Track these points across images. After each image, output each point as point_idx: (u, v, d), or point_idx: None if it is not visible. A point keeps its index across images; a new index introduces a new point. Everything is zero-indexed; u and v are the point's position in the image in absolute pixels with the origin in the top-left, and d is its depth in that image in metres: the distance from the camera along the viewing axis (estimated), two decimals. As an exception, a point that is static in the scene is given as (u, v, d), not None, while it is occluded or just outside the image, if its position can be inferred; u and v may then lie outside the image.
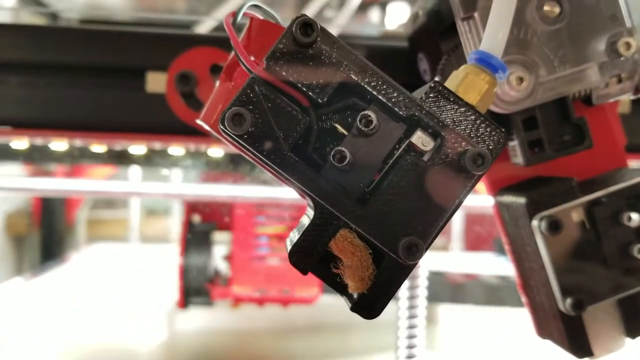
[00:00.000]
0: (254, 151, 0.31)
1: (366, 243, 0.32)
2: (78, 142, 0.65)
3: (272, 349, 1.27)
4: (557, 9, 0.40)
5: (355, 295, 0.32)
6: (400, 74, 0.56)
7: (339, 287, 0.32)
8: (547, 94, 0.40)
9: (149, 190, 0.93)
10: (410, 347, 0.78)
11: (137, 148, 0.66)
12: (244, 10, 0.37)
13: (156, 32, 0.59)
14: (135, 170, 1.67)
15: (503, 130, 0.32)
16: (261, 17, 0.39)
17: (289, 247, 0.32)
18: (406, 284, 0.78)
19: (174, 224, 2.37)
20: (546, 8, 0.40)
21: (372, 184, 0.32)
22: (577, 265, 0.41)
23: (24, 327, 1.33)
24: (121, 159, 0.72)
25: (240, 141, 0.31)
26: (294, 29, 0.31)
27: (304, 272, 0.32)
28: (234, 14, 0.36)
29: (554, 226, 0.40)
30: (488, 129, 0.32)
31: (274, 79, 0.31)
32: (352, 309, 0.32)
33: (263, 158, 0.31)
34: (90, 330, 1.32)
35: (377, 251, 0.32)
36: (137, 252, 2.21)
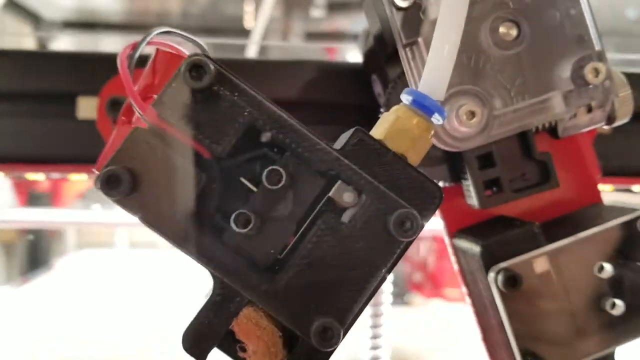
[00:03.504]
0: (135, 217, 0.26)
1: (276, 323, 0.27)
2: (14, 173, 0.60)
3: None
4: (514, 32, 0.35)
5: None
6: (359, 95, 0.52)
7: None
8: (504, 128, 0.35)
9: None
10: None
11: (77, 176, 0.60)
12: (149, 38, 0.32)
13: (88, 52, 0.54)
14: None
15: (438, 186, 0.27)
16: (175, 47, 0.34)
17: (183, 331, 0.27)
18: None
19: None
20: (502, 30, 0.35)
21: (286, 249, 0.27)
22: (541, 325, 0.36)
23: (11, 335, 1.31)
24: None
25: (120, 206, 0.26)
26: (182, 71, 0.26)
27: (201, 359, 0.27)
28: (134, 46, 0.31)
29: (512, 281, 0.35)
30: (420, 185, 0.27)
31: (167, 127, 0.26)
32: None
33: (146, 225, 0.26)
34: (77, 339, 1.29)
35: (290, 332, 0.27)
36: (124, 258, 2.17)
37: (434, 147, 0.37)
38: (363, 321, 0.67)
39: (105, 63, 0.53)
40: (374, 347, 0.66)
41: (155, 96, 0.27)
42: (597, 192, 0.41)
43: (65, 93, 0.52)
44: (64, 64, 0.53)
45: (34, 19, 1.67)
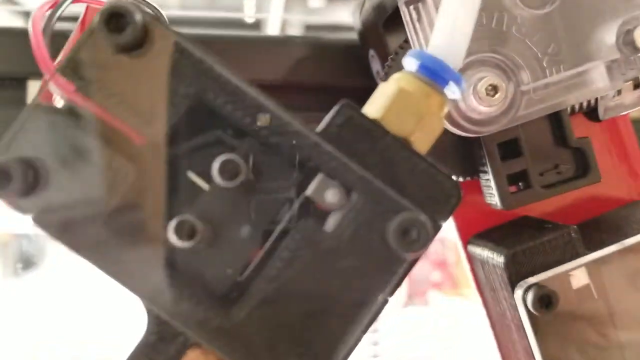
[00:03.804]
0: (34, 224, 0.19)
1: (233, 370, 0.19)
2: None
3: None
4: (546, -15, 0.28)
5: None
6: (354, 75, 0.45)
7: None
8: (533, 107, 0.28)
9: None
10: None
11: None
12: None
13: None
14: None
15: (455, 182, 0.20)
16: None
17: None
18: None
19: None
20: (531, -16, 0.28)
21: (247, 270, 0.20)
22: (578, 354, 0.29)
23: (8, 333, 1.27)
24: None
25: (13, 209, 0.19)
26: (97, 22, 0.18)
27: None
28: (55, 3, 0.24)
29: (546, 300, 0.28)
30: (430, 180, 0.20)
31: (80, 102, 0.19)
32: None
33: (50, 235, 0.19)
34: (77, 338, 1.25)
35: (252, 381, 0.20)
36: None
37: (444, 132, 0.29)
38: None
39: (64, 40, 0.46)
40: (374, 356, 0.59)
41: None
42: (641, 188, 0.34)
43: (14, 76, 0.45)
44: (12, 42, 0.45)
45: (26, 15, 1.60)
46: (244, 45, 0.46)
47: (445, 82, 0.21)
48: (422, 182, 0.20)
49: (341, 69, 0.44)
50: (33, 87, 0.45)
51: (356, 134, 0.20)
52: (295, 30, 1.68)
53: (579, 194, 0.33)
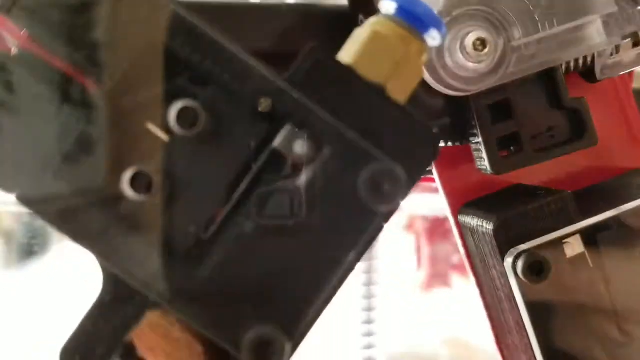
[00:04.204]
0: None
1: (194, 334, 0.18)
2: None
3: None
4: None
5: None
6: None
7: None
8: (525, 64, 0.26)
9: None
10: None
11: None
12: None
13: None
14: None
15: (432, 129, 0.18)
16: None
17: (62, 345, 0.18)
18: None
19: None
20: None
21: (211, 227, 0.19)
22: (574, 326, 0.27)
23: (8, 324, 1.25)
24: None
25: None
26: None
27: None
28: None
29: (537, 268, 0.26)
30: (404, 128, 0.18)
31: (29, 46, 0.18)
32: None
33: (2, 189, 0.17)
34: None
35: (216, 347, 0.18)
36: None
37: (432, 94, 0.28)
38: (355, 316, 0.59)
39: None
40: (367, 347, 0.58)
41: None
42: (642, 154, 0.32)
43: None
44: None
45: None
46: (232, 12, 0.44)
47: (425, 27, 0.19)
48: (397, 132, 0.18)
49: (333, 36, 0.42)
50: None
51: (326, 80, 0.18)
52: None
53: (575, 162, 0.32)
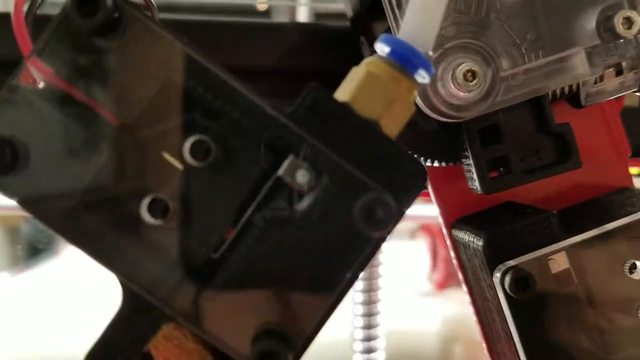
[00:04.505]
0: (15, 202, 0.19)
1: (205, 345, 0.20)
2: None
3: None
4: (525, -30, 0.28)
5: None
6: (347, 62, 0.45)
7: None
8: (513, 93, 0.28)
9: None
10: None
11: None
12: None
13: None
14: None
15: (421, 164, 0.20)
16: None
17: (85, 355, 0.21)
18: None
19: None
20: (510, -31, 0.28)
21: (222, 247, 0.21)
22: (559, 336, 0.29)
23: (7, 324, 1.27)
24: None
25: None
26: (69, 5, 0.19)
27: (107, 392, 0.20)
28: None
29: (523, 283, 0.28)
30: (396, 162, 0.20)
31: (57, 83, 0.20)
32: None
33: (29, 212, 0.19)
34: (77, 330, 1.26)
35: (224, 357, 0.20)
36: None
37: (427, 119, 0.30)
38: (356, 310, 0.61)
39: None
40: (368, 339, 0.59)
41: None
42: (627, 175, 0.34)
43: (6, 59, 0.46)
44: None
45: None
46: (242, 31, 0.46)
47: (414, 68, 0.21)
48: (389, 165, 0.20)
49: (338, 55, 0.44)
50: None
51: (325, 117, 0.20)
52: (304, 18, 1.67)
53: (564, 182, 0.33)
